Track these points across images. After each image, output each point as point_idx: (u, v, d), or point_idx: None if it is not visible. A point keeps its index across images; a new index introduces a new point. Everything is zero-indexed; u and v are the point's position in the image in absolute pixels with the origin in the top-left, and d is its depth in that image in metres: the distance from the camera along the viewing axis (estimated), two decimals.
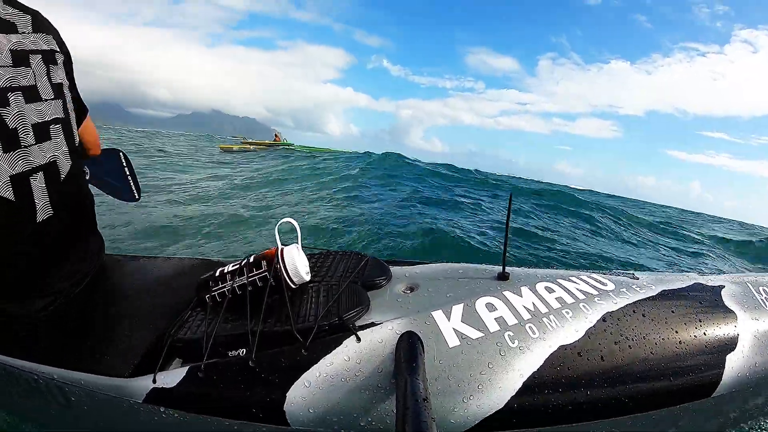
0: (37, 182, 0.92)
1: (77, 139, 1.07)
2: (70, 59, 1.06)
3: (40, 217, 0.93)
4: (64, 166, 1.00)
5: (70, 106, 1.04)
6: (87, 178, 1.50)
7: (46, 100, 0.94)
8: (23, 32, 0.91)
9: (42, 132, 0.93)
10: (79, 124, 1.11)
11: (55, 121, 0.97)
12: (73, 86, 1.07)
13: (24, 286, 0.96)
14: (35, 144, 0.91)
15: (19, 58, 0.88)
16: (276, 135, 28.51)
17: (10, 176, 0.85)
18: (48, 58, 0.96)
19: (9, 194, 0.86)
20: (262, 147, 25.52)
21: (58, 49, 1.00)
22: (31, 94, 0.90)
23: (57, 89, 0.98)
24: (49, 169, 0.95)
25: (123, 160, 1.63)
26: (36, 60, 0.93)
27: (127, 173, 1.65)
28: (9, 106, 0.85)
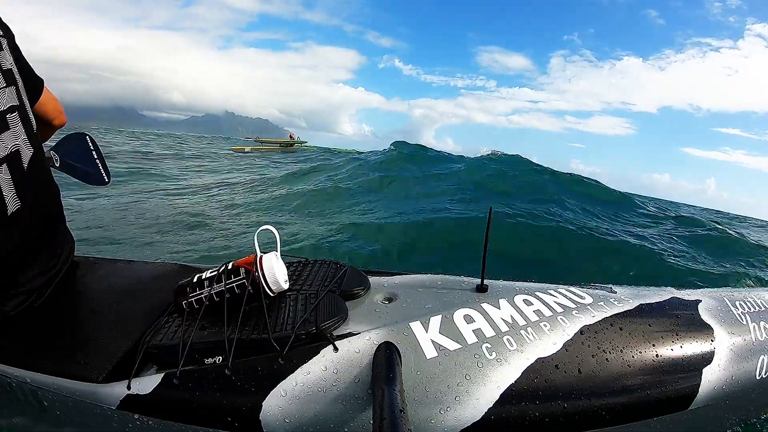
0: (3, 174, 0.90)
1: (34, 124, 1.04)
2: (13, 37, 1.02)
3: (10, 209, 0.91)
4: (26, 153, 0.98)
5: (23, 90, 1.01)
6: (57, 165, 1.48)
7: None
8: None
9: (1, 123, 0.91)
10: (36, 97, 1.08)
11: (11, 109, 0.94)
12: (23, 64, 1.03)
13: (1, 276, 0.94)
14: None
15: None
16: (290, 135, 28.88)
17: None
18: None
19: None
20: (276, 148, 25.57)
21: (1, 33, 0.97)
22: None
23: (8, 76, 0.95)
24: (12, 159, 0.93)
25: (90, 144, 1.60)
26: None
27: (95, 156, 1.61)
28: None
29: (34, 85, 1.07)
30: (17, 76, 0.99)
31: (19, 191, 0.94)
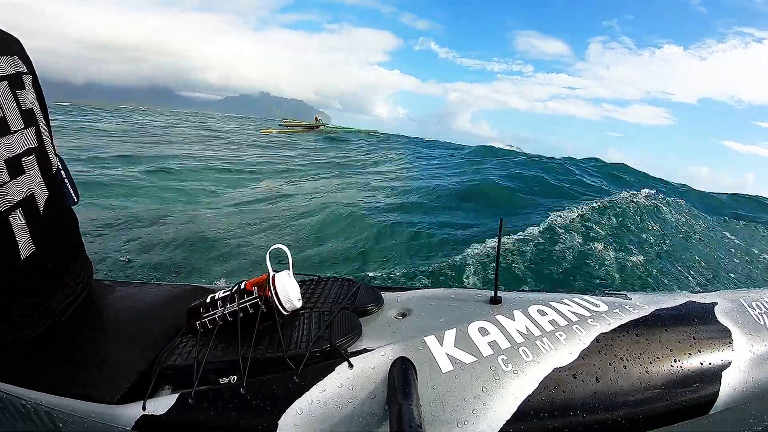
0: (17, 219, 0.87)
1: (55, 164, 1.03)
2: (36, 75, 0.99)
3: (24, 254, 0.89)
4: (41, 196, 0.95)
5: (44, 129, 0.98)
6: (77, 201, 1.47)
7: (15, 131, 0.88)
8: None
9: (15, 166, 0.87)
10: None
11: (28, 152, 0.91)
12: (43, 105, 1.00)
13: (12, 315, 0.94)
14: (10, 181, 0.85)
15: None
16: (316, 118, 29.68)
17: None
18: (15, 83, 0.89)
19: None
20: (300, 130, 26.55)
21: (25, 70, 0.94)
22: (1, 128, 0.84)
23: (28, 116, 0.92)
24: (27, 203, 0.90)
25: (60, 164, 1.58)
26: (2, 88, 0.85)
27: (65, 176, 1.59)
28: None
29: None
30: (38, 116, 0.97)
31: (34, 235, 0.91)
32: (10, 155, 0.86)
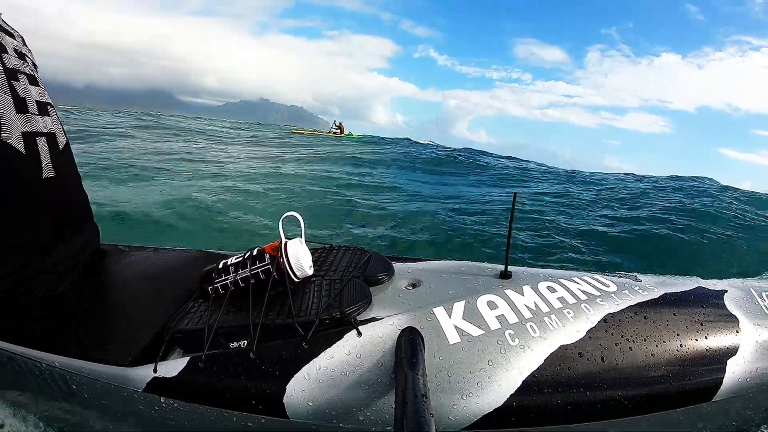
0: (42, 144, 1.06)
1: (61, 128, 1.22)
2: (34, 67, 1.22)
3: (45, 174, 1.06)
4: (61, 139, 1.17)
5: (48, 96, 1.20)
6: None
7: (41, 87, 1.13)
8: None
9: (42, 108, 1.10)
10: None
11: (51, 104, 1.15)
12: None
13: (34, 248, 1.02)
14: (38, 114, 1.07)
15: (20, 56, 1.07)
16: (340, 124, 27.91)
17: (21, 132, 0.99)
18: (30, 81, 1.11)
19: (21, 147, 0.99)
20: (329, 134, 26.09)
21: (35, 74, 1.15)
22: (32, 81, 1.08)
23: (32, 80, 1.13)
24: (50, 137, 1.10)
25: None
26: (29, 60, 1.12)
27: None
28: (18, 81, 1.02)
29: None
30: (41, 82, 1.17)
31: (54, 164, 1.09)
32: (40, 99, 1.10)
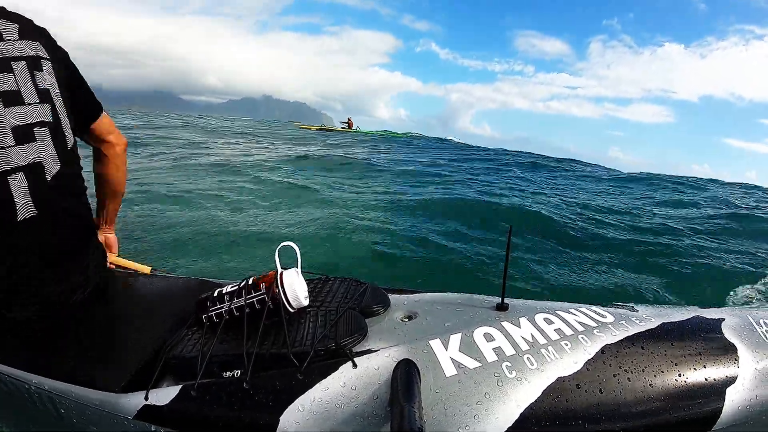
0: (17, 182, 0.94)
1: (70, 142, 1.09)
2: (67, 63, 1.12)
3: (21, 215, 0.95)
4: (52, 167, 1.02)
5: (61, 110, 1.06)
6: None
7: (29, 104, 0.97)
8: (8, 39, 0.96)
9: (24, 134, 0.96)
10: (93, 119, 1.23)
11: (41, 123, 0.99)
12: (75, 86, 1.14)
13: (12, 289, 0.97)
14: (15, 145, 0.94)
15: (1, 64, 0.93)
16: (349, 119, 30.65)
17: None
18: (33, 64, 0.99)
19: None
20: (337, 129, 28.67)
21: (46, 56, 1.04)
22: (12, 98, 0.94)
23: (43, 94, 1.01)
24: (33, 169, 0.97)
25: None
26: (20, 66, 0.96)
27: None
28: None
29: (91, 107, 1.23)
30: (55, 97, 1.05)
31: (37, 201, 0.97)
32: (20, 123, 0.95)
